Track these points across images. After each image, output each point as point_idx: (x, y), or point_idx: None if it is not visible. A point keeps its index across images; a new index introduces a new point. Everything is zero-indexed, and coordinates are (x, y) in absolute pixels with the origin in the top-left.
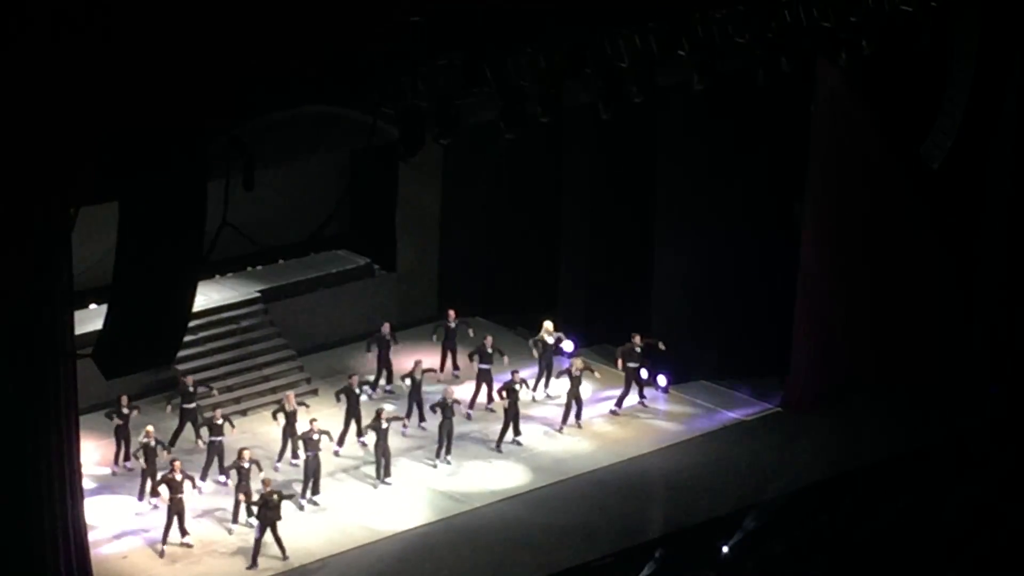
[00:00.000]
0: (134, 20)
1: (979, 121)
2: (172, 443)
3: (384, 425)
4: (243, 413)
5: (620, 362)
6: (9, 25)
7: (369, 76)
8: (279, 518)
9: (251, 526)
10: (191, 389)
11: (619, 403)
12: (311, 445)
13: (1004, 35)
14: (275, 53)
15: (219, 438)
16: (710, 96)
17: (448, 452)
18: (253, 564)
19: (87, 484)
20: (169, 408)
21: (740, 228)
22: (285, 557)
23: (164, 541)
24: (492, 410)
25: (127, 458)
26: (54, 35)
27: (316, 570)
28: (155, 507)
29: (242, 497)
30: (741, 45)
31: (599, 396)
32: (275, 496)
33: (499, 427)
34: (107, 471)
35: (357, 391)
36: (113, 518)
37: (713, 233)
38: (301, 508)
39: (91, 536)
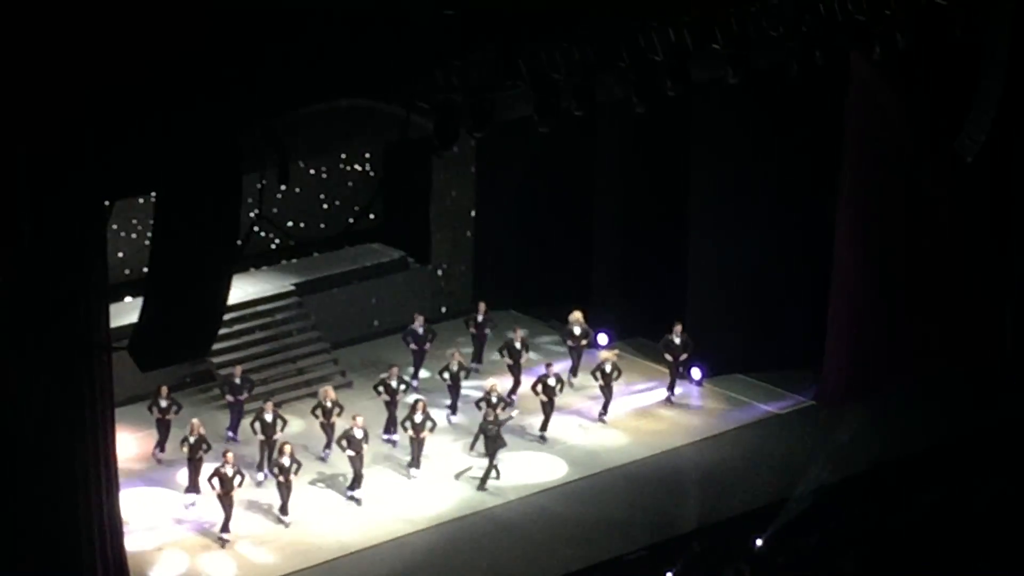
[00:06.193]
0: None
1: (1013, 114)
2: (234, 432)
3: (420, 417)
4: (278, 406)
5: (665, 354)
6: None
7: (403, 70)
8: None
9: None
10: (238, 381)
11: (670, 389)
12: (354, 443)
13: None
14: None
15: (268, 435)
16: (744, 90)
17: (473, 448)
18: None
19: (123, 476)
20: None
21: (774, 221)
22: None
23: (224, 530)
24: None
25: (162, 449)
26: (91, 23)
27: (351, 562)
28: (192, 504)
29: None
30: (775, 39)
31: (632, 390)
32: None
33: (532, 420)
34: (143, 464)
35: (393, 384)
36: (148, 510)
37: (747, 226)
38: (359, 502)
39: (126, 528)
